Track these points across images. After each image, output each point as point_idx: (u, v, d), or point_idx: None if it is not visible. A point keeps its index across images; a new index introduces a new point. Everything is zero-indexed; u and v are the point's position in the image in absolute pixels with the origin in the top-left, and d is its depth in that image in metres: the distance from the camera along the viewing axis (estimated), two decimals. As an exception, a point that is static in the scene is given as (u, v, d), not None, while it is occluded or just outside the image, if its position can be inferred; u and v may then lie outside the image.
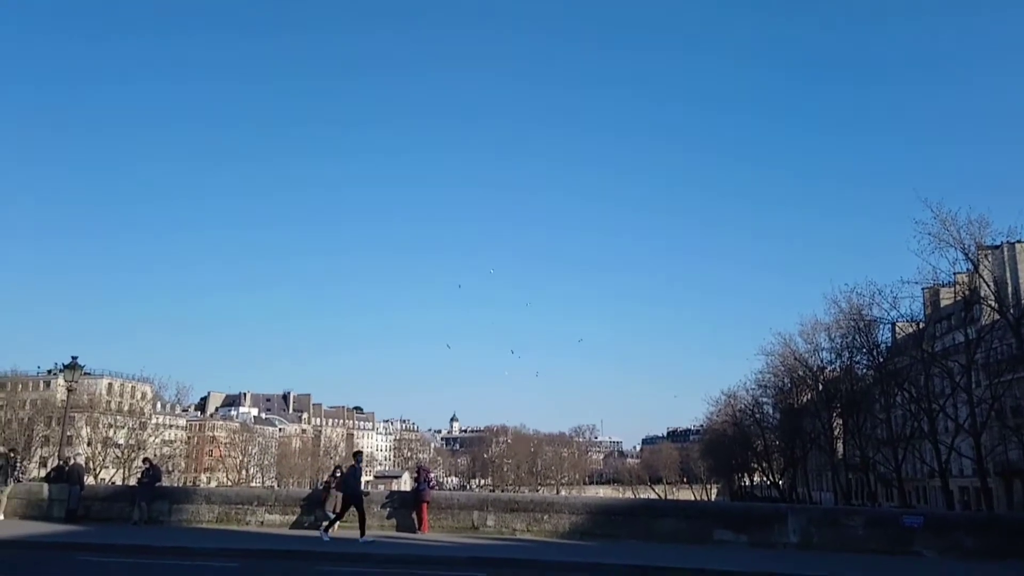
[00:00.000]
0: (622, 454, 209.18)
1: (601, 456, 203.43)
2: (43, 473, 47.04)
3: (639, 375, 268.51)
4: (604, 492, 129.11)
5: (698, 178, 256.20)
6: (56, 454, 39.77)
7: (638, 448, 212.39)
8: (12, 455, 26.48)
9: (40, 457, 74.92)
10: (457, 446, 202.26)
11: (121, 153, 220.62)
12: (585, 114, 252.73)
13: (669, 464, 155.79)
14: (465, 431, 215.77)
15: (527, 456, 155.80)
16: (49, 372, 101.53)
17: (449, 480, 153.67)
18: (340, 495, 19.25)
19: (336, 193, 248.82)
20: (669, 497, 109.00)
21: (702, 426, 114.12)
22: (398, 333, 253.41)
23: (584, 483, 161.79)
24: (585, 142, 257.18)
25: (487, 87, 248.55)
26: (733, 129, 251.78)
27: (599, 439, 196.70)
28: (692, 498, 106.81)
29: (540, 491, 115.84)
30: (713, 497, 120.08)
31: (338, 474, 20.00)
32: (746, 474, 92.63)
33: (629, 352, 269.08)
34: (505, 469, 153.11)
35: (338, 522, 17.68)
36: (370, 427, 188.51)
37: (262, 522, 19.40)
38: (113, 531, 17.57)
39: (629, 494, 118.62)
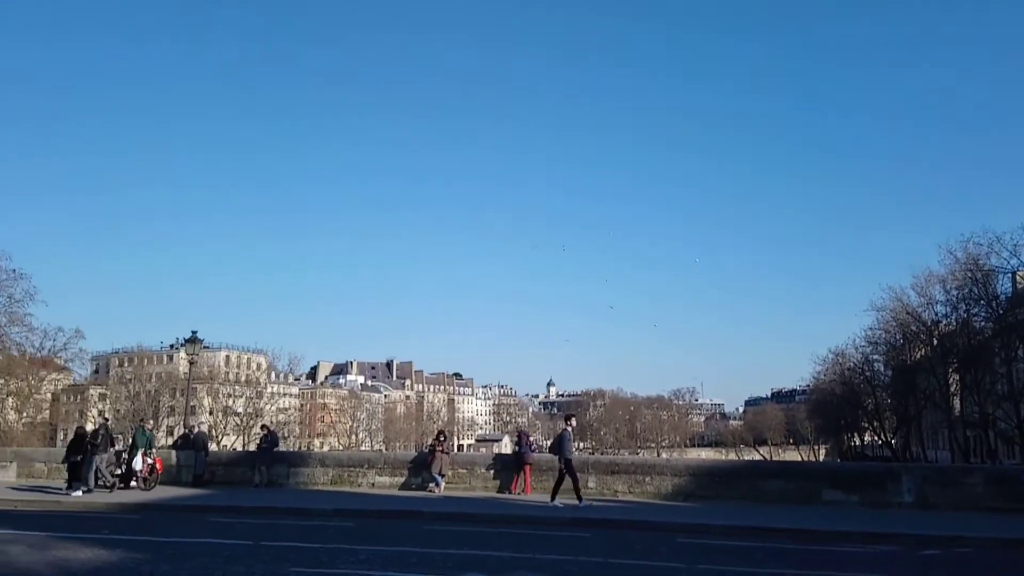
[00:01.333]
0: (724, 416, 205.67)
1: (702, 419, 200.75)
2: (170, 441, 50.60)
3: (741, 336, 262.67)
4: (706, 454, 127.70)
5: (803, 130, 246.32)
6: (182, 423, 42.64)
7: (741, 410, 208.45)
8: (142, 423, 28.45)
9: (167, 426, 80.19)
10: (554, 410, 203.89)
11: (243, 142, 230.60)
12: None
13: (774, 425, 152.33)
14: (562, 395, 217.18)
15: (625, 419, 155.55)
16: (171, 347, 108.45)
17: (548, 443, 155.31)
18: (445, 457, 19.89)
19: (430, 162, 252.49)
20: (774, 459, 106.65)
21: (808, 386, 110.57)
22: (494, 300, 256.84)
23: (685, 446, 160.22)
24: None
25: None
26: (836, 81, 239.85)
27: (700, 401, 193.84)
28: (799, 459, 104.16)
29: (640, 454, 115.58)
30: (821, 458, 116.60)
31: (442, 438, 20.62)
32: (856, 434, 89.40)
33: (730, 313, 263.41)
34: (603, 433, 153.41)
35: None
36: (469, 392, 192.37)
37: (373, 484, 20.22)
38: (237, 494, 18.72)
39: (732, 456, 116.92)
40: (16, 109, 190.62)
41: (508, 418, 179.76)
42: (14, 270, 44.37)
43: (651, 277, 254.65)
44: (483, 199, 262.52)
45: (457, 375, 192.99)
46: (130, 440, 21.00)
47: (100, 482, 18.94)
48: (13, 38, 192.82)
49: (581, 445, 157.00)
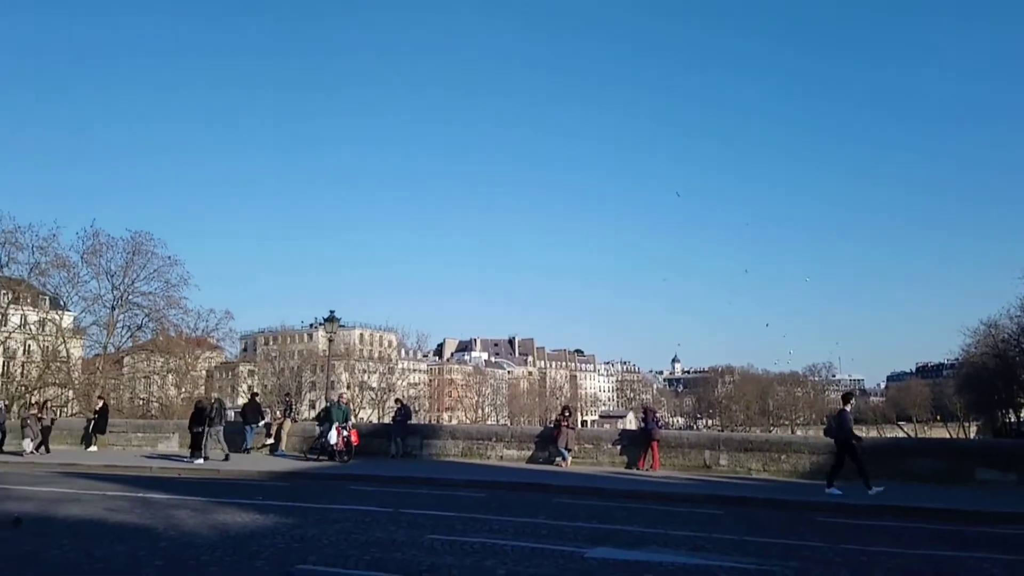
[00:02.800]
0: (864, 392, 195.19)
1: (840, 395, 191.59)
2: (312, 414, 53.61)
3: (883, 310, 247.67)
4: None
5: (939, 102, 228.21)
6: (323, 396, 45.09)
7: (882, 385, 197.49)
8: (288, 398, 30.29)
9: (309, 400, 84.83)
10: (680, 387, 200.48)
11: (380, 137, 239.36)
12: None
13: (918, 401, 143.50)
14: (688, 372, 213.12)
15: (756, 396, 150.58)
16: (311, 325, 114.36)
17: (674, 420, 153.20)
18: (571, 432, 20.00)
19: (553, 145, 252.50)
20: (920, 436, 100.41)
21: (957, 360, 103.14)
22: (615, 277, 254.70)
23: (821, 423, 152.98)
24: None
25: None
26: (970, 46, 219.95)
27: (837, 377, 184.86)
28: (947, 436, 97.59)
29: (772, 431, 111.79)
30: (972, 435, 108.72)
31: (567, 413, 20.73)
32: (1011, 410, 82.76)
33: (868, 286, 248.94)
34: (734, 409, 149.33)
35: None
36: (591, 369, 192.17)
37: (501, 456, 20.64)
38: (375, 464, 19.59)
39: (873, 433, 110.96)
40: (181, 111, 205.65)
41: (632, 395, 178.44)
42: (169, 257, 48.13)
43: (787, 250, 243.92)
44: (604, 171, 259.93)
45: (579, 352, 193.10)
46: (321, 414, 22.23)
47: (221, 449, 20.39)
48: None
49: (709, 423, 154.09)
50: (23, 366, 58.43)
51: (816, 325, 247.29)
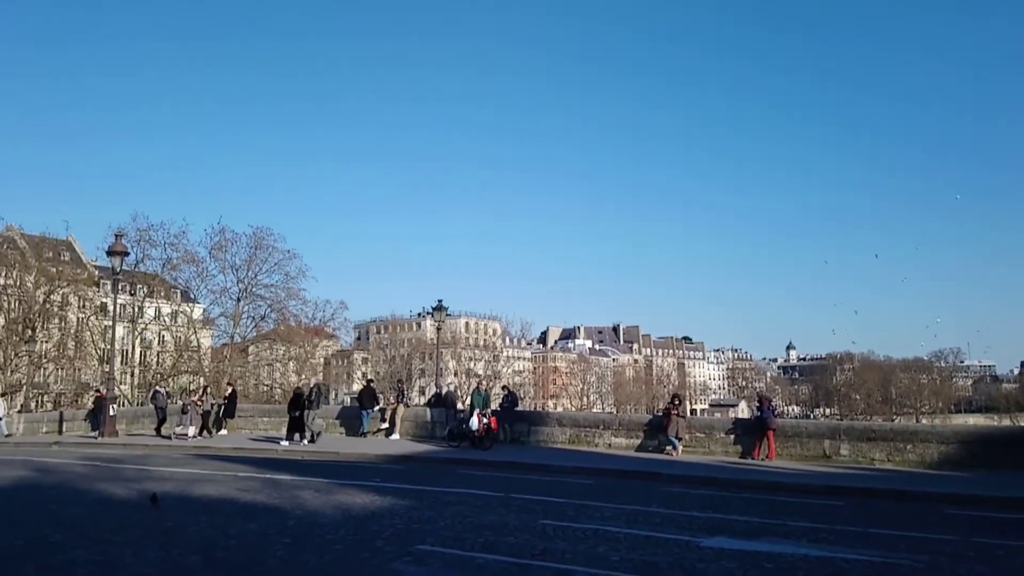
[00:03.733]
0: (995, 379, 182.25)
1: (969, 382, 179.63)
2: (422, 400, 55.07)
3: (1016, 291, 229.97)
4: (974, 420, 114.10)
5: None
6: (433, 383, 46.24)
7: (1016, 371, 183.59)
8: (400, 384, 31.21)
9: (419, 386, 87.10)
10: (795, 374, 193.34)
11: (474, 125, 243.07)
12: None
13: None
14: (803, 359, 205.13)
15: (878, 384, 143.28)
16: (419, 315, 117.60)
17: (790, 409, 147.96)
18: (682, 421, 19.65)
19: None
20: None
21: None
22: (722, 263, 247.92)
23: (948, 411, 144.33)
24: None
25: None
26: None
27: (965, 363, 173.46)
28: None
29: (895, 420, 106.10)
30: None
31: (676, 402, 20.39)
32: None
33: (1002, 268, 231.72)
34: (853, 398, 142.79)
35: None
36: (700, 357, 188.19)
37: (609, 444, 20.54)
38: (484, 450, 19.91)
39: (1007, 422, 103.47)
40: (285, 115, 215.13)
41: (743, 383, 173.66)
42: (288, 250, 50.66)
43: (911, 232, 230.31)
44: (712, 155, 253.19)
45: (687, 339, 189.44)
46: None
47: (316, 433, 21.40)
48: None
49: (827, 412, 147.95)
50: (158, 355, 62.85)
51: (941, 309, 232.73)
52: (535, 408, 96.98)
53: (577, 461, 16.99)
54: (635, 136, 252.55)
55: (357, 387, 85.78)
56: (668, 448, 19.20)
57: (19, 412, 36.33)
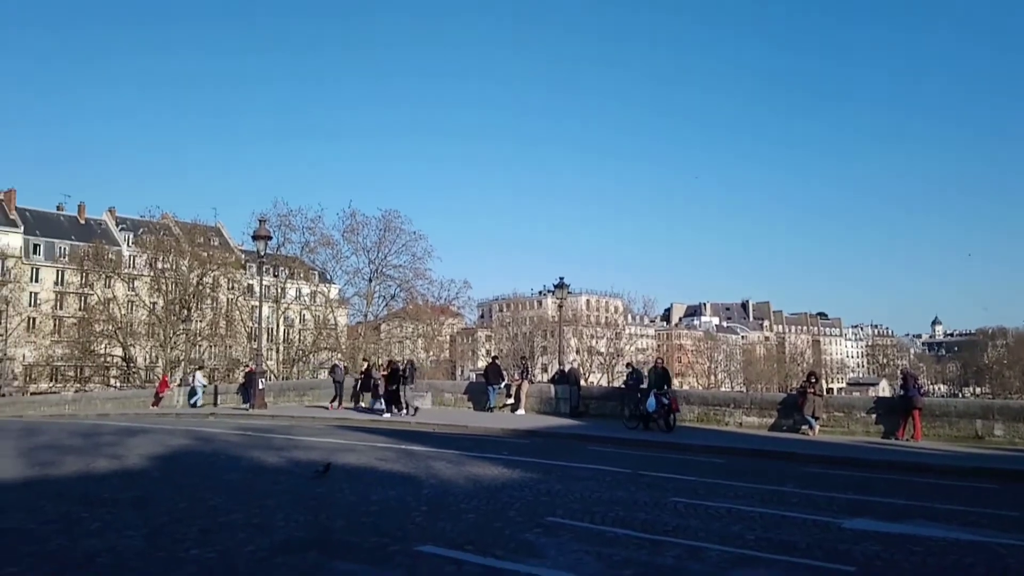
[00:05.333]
0: None
1: None
2: (545, 377, 55.61)
3: None
4: None
5: None
6: (555, 360, 46.61)
7: None
8: (523, 361, 31.63)
9: (541, 363, 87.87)
10: (942, 351, 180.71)
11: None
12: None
13: None
14: (951, 335, 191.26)
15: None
16: (540, 292, 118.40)
17: (935, 388, 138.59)
18: (818, 399, 18.86)
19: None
20: None
21: None
22: (860, 234, 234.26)
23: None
24: None
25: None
26: None
27: None
28: None
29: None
30: None
31: (813, 379, 19.59)
32: None
33: None
34: (1007, 375, 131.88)
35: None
36: (836, 333, 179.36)
37: (740, 423, 20.01)
38: (610, 426, 19.90)
39: None
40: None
41: (884, 360, 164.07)
42: (415, 232, 52.21)
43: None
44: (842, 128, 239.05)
45: (822, 315, 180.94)
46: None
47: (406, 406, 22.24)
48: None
49: (977, 390, 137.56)
50: (300, 333, 66.66)
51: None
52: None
53: (706, 439, 16.68)
54: (762, 109, 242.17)
55: (481, 364, 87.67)
56: (804, 428, 18.49)
57: (179, 386, 39.60)
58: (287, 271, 58.69)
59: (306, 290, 64.66)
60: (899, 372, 50.01)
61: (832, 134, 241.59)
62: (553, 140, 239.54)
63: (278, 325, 61.86)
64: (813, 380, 19.59)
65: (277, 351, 59.77)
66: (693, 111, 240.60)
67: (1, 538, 6.50)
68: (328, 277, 58.21)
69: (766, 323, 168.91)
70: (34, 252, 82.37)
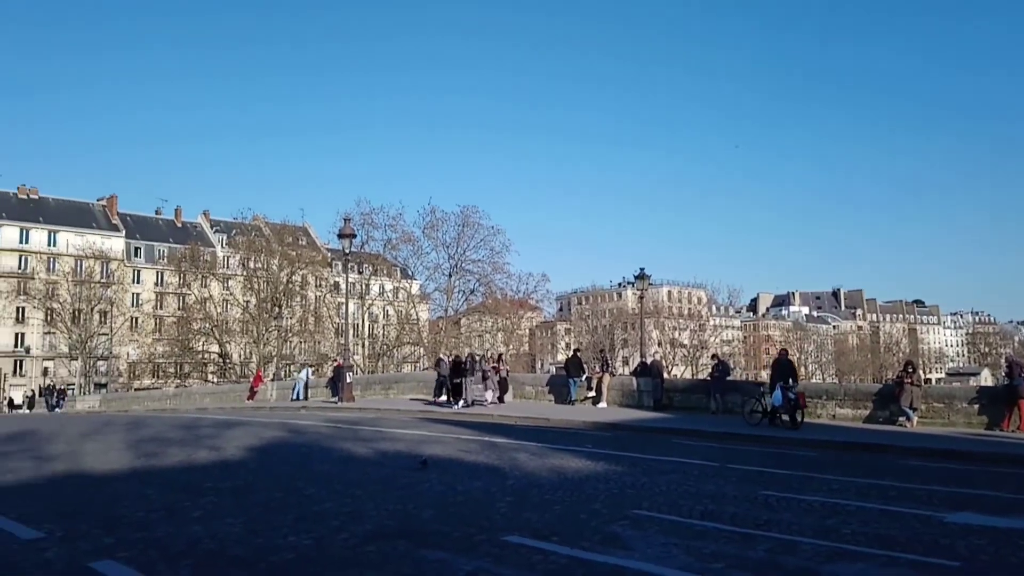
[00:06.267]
0: None
1: None
2: (626, 370, 55.09)
3: None
4: None
5: None
6: (636, 353, 46.16)
7: None
8: (603, 354, 31.45)
9: (622, 356, 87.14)
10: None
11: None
12: None
13: None
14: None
15: None
16: (619, 284, 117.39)
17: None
18: (916, 390, 18.05)
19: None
20: None
21: None
22: (953, 214, 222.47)
23: None
24: None
25: None
26: None
27: None
28: None
29: None
30: None
31: (910, 369, 18.76)
32: None
33: None
34: None
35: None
36: (934, 321, 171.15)
37: (833, 415, 19.31)
38: (696, 419, 19.54)
39: None
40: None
41: (987, 349, 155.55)
42: (493, 226, 52.64)
43: None
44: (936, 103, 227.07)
45: (918, 302, 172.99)
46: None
47: (476, 398, 22.64)
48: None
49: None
50: (383, 328, 68.26)
51: None
52: (747, 379, 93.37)
53: (798, 432, 16.18)
54: (849, 86, 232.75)
55: (561, 357, 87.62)
56: (901, 419, 17.71)
57: (272, 380, 41.16)
58: (371, 268, 60.16)
59: (388, 286, 66.17)
60: (1003, 360, 47.31)
61: (930, 108, 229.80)
62: (630, 130, 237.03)
63: (363, 321, 63.47)
64: (910, 370, 18.72)
65: (362, 346, 61.32)
66: (777, 90, 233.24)
67: (113, 525, 6.90)
68: (409, 273, 59.35)
69: (859, 312, 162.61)
70: (135, 255, 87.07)
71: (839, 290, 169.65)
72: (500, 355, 29.34)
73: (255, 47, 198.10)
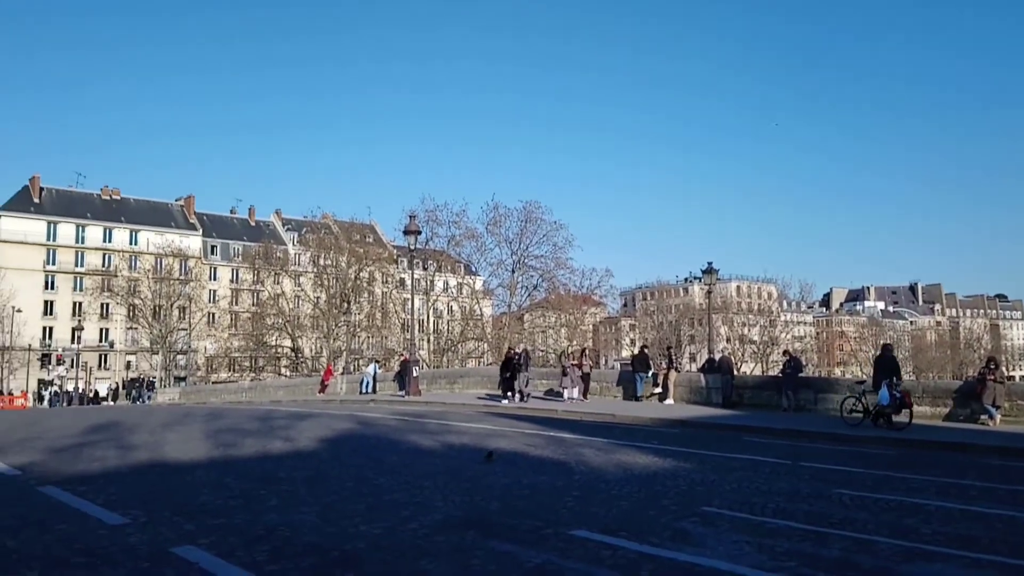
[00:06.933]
0: None
1: None
2: (693, 367, 54.28)
3: None
4: None
5: None
6: (703, 349, 45.42)
7: None
8: (669, 350, 31.03)
9: (688, 353, 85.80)
10: None
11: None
12: None
13: None
14: None
15: None
16: (686, 280, 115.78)
17: None
18: (999, 387, 17.27)
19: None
20: None
21: None
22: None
23: None
24: None
25: None
26: None
27: None
28: None
29: None
30: None
31: (992, 366, 17.95)
32: None
33: None
34: None
35: None
36: (1018, 316, 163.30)
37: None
38: (767, 416, 19.12)
39: None
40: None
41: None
42: (555, 221, 52.49)
43: None
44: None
45: (1001, 296, 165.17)
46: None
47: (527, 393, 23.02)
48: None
49: None
50: (448, 324, 69.01)
51: None
52: (821, 375, 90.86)
53: (874, 430, 15.67)
54: (923, 72, 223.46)
55: (625, 353, 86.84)
56: (983, 417, 16.98)
57: (341, 374, 42.08)
58: (435, 264, 60.80)
59: (453, 282, 66.81)
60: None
61: (1005, 99, 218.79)
62: (696, 124, 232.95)
63: (428, 316, 64.25)
64: (993, 366, 17.90)
65: (428, 341, 62.09)
66: (846, 85, 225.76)
67: (193, 512, 7.18)
68: (473, 269, 59.73)
69: (937, 307, 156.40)
70: (211, 253, 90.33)
71: (916, 284, 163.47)
72: (584, 350, 29.06)
73: (321, 46, 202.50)
